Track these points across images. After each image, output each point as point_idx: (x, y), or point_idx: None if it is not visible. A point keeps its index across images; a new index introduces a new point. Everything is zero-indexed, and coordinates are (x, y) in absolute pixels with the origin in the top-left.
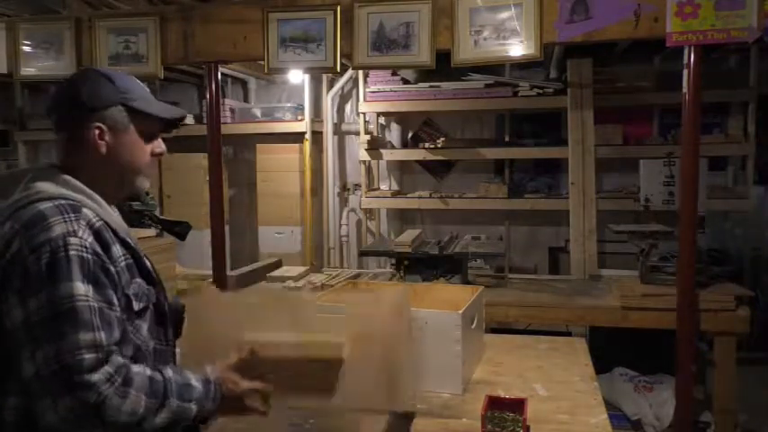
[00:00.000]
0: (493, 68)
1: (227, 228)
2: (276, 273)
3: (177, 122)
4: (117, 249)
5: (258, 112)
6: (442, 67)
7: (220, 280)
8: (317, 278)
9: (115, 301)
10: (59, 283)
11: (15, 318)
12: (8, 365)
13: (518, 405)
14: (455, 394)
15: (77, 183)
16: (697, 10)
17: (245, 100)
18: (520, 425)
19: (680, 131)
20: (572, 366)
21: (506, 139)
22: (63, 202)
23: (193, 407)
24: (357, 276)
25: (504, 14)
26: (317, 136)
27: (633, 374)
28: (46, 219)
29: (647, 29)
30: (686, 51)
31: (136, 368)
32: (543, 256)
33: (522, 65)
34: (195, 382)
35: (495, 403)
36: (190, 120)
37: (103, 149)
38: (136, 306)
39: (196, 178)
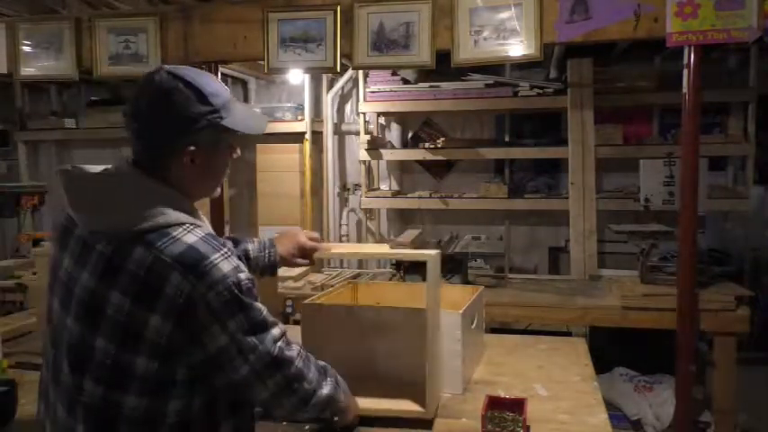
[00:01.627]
0: (493, 68)
1: (227, 228)
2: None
3: None
4: None
5: (258, 112)
6: (442, 67)
7: None
8: (317, 278)
9: None
10: (248, 306)
11: (221, 341)
12: (170, 371)
13: (518, 405)
14: (455, 394)
15: (191, 207)
16: (697, 10)
17: (245, 100)
18: (520, 425)
19: (680, 131)
20: (572, 366)
21: (506, 139)
22: (202, 234)
23: (341, 396)
24: (357, 276)
25: (504, 14)
26: (317, 136)
27: (633, 374)
28: (207, 257)
29: (646, 29)
30: (686, 51)
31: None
32: (543, 256)
33: (522, 65)
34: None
35: (495, 403)
36: None
37: (195, 173)
38: None
39: None
